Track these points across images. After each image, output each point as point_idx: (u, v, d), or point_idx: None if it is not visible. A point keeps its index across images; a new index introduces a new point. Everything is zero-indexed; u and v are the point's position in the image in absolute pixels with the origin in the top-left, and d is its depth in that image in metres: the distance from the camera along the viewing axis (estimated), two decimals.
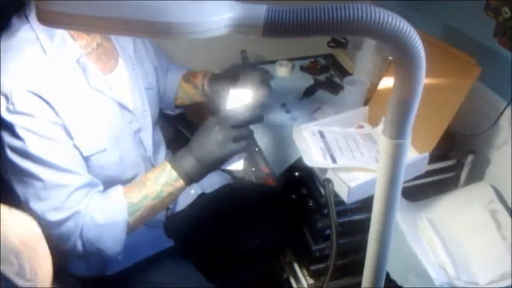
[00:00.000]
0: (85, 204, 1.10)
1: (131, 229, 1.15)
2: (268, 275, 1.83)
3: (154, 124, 1.39)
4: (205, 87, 1.49)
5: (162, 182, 1.14)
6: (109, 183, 1.19)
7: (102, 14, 0.56)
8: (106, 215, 1.11)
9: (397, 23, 0.56)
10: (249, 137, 1.17)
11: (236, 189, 1.66)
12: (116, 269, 1.33)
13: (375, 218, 0.83)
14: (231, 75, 1.42)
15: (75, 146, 1.11)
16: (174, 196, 1.17)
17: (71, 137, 1.10)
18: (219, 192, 1.60)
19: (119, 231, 1.13)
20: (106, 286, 1.34)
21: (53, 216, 1.07)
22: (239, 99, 1.27)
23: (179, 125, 1.75)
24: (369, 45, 1.64)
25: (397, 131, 0.72)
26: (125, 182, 1.24)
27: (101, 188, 1.17)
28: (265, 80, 1.40)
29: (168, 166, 1.14)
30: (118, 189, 1.16)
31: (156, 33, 0.57)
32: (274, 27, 0.56)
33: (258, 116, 1.20)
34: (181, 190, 1.17)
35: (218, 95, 1.43)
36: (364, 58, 1.67)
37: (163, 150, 1.49)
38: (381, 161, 0.75)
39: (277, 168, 1.51)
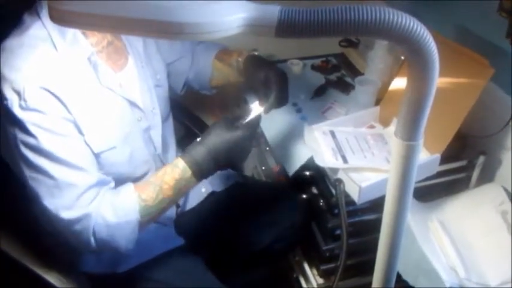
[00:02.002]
0: (96, 204, 1.10)
1: (142, 227, 1.16)
2: (278, 274, 1.82)
3: (164, 122, 1.39)
4: (241, 65, 1.43)
5: (182, 187, 1.15)
6: (119, 181, 1.19)
7: (114, 13, 0.56)
8: (118, 215, 1.11)
9: (411, 24, 0.56)
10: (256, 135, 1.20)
11: (246, 188, 1.65)
12: (126, 266, 1.33)
13: (385, 220, 0.83)
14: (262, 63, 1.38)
15: (86, 143, 1.11)
16: (185, 194, 1.18)
17: (81, 133, 1.10)
18: (229, 191, 1.59)
19: (131, 230, 1.13)
20: (116, 284, 1.34)
21: (65, 215, 1.07)
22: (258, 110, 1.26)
23: (189, 123, 1.75)
24: (381, 45, 1.62)
25: (410, 133, 0.71)
26: (135, 179, 1.24)
27: (112, 184, 1.17)
28: (286, 89, 1.35)
29: (189, 173, 1.15)
30: (129, 188, 1.16)
31: (168, 33, 0.57)
32: (287, 28, 0.56)
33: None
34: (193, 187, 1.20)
35: (253, 76, 1.36)
36: (376, 58, 1.66)
37: (173, 149, 1.48)
38: (392, 162, 0.75)
39: (289, 168, 1.50)
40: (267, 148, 1.70)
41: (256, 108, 1.24)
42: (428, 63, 0.62)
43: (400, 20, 0.55)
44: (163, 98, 1.41)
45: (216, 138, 1.15)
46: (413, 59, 0.63)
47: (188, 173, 1.14)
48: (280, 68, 1.35)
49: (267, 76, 1.29)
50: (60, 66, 1.08)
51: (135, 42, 1.31)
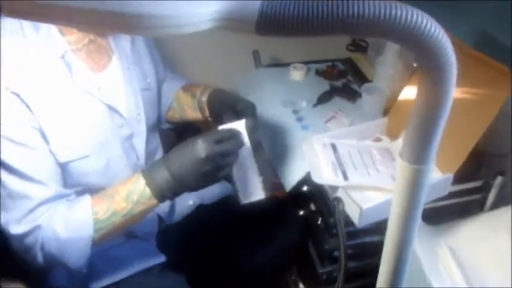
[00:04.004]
0: (48, 217, 1.03)
1: (97, 243, 1.07)
2: None
3: (151, 129, 1.29)
4: (204, 98, 1.34)
5: (134, 199, 1.04)
6: (91, 193, 1.10)
7: (65, 3, 0.46)
8: (69, 229, 1.03)
9: (424, 23, 0.46)
10: (231, 162, 1.07)
11: (239, 202, 1.53)
12: (100, 283, 1.23)
13: (387, 250, 0.74)
14: (234, 100, 1.27)
15: (51, 152, 1.03)
16: (146, 213, 1.08)
17: (46, 142, 1.02)
18: (219, 205, 1.49)
19: (83, 246, 1.04)
20: None
21: (14, 229, 1.01)
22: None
23: (181, 129, 1.63)
24: (392, 50, 1.51)
25: (418, 154, 0.62)
26: None
27: (72, 197, 1.09)
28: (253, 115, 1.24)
29: (142, 183, 1.04)
30: (85, 201, 1.06)
31: (125, 27, 0.47)
32: (270, 24, 0.46)
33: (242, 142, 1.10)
34: (154, 207, 1.08)
35: (215, 110, 1.30)
36: (386, 64, 1.54)
37: (159, 157, 1.36)
38: (396, 187, 0.65)
39: (286, 183, 1.39)
40: (265, 160, 1.59)
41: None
42: (444, 70, 0.52)
43: (411, 17, 0.46)
44: (151, 103, 1.32)
45: (173, 152, 1.05)
46: (426, 65, 0.53)
47: (141, 182, 1.04)
48: (246, 99, 1.27)
49: (235, 109, 1.22)
50: (30, 64, 1.01)
51: (122, 41, 1.21)
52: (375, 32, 0.47)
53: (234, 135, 1.07)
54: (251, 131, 1.13)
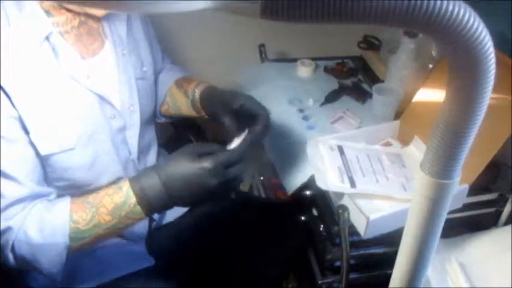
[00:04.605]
0: (21, 218, 0.94)
1: (73, 252, 0.98)
2: None
3: (145, 122, 1.21)
4: (196, 97, 1.24)
5: (121, 214, 0.95)
6: (76, 189, 1.03)
7: None
8: (43, 234, 0.94)
9: (466, 16, 0.40)
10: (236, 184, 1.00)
11: (236, 203, 1.47)
12: (84, 285, 1.15)
13: (400, 270, 0.67)
14: (230, 98, 1.18)
15: (31, 143, 0.94)
16: (132, 225, 1.00)
17: (26, 132, 0.94)
18: (214, 206, 1.40)
19: (56, 254, 0.96)
20: None
21: None
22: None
23: (178, 123, 1.55)
24: (406, 49, 1.43)
25: (443, 168, 0.56)
26: (97, 190, 1.05)
27: (53, 196, 1.01)
28: (266, 124, 1.15)
29: (132, 199, 0.95)
30: (64, 206, 0.97)
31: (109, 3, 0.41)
32: (279, 4, 0.38)
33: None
34: (142, 220, 1.00)
35: (210, 110, 1.20)
36: (399, 63, 1.46)
37: (154, 152, 1.29)
38: (415, 202, 0.59)
39: (288, 186, 1.31)
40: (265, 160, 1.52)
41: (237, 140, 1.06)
42: (484, 74, 0.46)
43: (451, 7, 0.39)
44: (147, 93, 1.23)
45: (173, 167, 0.95)
46: (460, 65, 0.46)
47: (132, 199, 0.95)
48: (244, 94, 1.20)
49: (231, 107, 1.14)
50: (10, 46, 0.92)
51: (117, 25, 1.13)
52: (405, 21, 0.39)
53: (241, 158, 0.99)
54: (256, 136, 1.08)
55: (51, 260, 0.96)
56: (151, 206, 0.95)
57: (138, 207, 0.94)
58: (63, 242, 0.94)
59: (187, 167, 0.93)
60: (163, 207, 0.97)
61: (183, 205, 1.01)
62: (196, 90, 1.24)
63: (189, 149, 0.95)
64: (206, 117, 1.24)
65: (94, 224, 0.95)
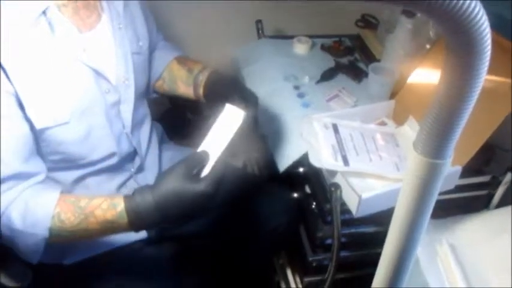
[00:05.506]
0: (7, 198, 0.93)
1: (53, 243, 0.97)
2: (258, 275, 1.62)
3: (139, 96, 1.20)
4: (201, 77, 1.26)
5: (110, 227, 0.96)
6: (69, 162, 1.03)
7: None
8: (25, 223, 0.93)
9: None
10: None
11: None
12: (75, 258, 1.16)
13: (389, 248, 0.68)
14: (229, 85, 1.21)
15: (26, 118, 0.94)
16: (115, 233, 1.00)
17: (22, 107, 0.93)
18: None
19: (34, 243, 0.95)
20: (61, 277, 1.16)
21: None
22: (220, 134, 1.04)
23: (176, 98, 1.54)
24: (404, 29, 1.41)
25: (436, 148, 0.56)
26: (90, 164, 1.08)
27: (41, 177, 0.99)
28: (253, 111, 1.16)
29: (125, 221, 0.94)
30: (52, 197, 0.96)
31: None
32: None
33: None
34: None
35: (211, 94, 1.22)
36: (396, 42, 1.45)
37: (147, 126, 1.29)
38: (406, 181, 0.59)
39: (280, 163, 1.30)
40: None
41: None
42: (479, 55, 0.46)
43: None
44: (142, 68, 1.22)
45: (171, 194, 0.93)
46: (458, 46, 0.46)
47: (124, 220, 0.94)
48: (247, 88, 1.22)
49: (233, 98, 1.13)
50: (6, 21, 0.91)
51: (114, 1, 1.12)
52: None
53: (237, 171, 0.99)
54: (248, 125, 1.06)
55: (28, 248, 0.96)
56: (142, 227, 0.96)
57: (128, 226, 0.95)
58: (42, 234, 0.94)
59: (184, 192, 0.92)
60: (154, 228, 1.00)
61: (174, 225, 1.01)
62: (203, 71, 1.26)
63: (182, 171, 0.93)
64: (202, 100, 1.26)
65: (80, 228, 0.95)
